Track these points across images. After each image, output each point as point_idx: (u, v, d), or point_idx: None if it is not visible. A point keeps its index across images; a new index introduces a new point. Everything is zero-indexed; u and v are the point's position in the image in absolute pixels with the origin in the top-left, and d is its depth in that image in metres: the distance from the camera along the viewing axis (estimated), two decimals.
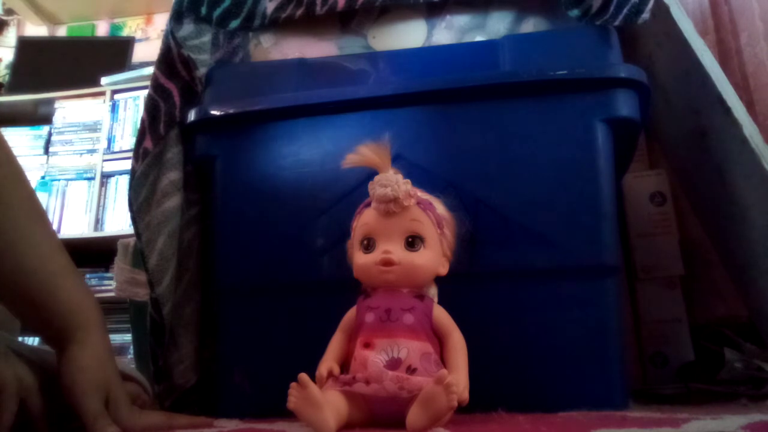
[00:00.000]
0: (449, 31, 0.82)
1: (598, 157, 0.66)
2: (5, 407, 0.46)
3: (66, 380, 0.49)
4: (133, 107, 2.07)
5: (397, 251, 0.53)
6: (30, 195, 0.55)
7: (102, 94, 2.11)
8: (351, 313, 0.56)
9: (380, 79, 0.76)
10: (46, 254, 0.53)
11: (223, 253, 0.73)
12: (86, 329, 0.52)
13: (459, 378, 0.50)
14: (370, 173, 0.56)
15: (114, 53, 2.31)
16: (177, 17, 0.82)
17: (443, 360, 0.53)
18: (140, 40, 2.47)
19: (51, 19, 2.61)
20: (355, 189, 0.66)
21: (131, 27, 2.58)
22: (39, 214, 0.55)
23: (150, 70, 0.93)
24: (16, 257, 0.51)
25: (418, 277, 0.55)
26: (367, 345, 0.52)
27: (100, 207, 2.01)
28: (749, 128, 0.69)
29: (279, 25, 0.83)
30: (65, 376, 0.50)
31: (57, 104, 2.14)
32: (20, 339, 0.74)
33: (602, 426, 0.46)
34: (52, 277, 0.53)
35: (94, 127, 2.10)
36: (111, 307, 1.93)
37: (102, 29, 2.62)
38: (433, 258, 0.55)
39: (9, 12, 2.57)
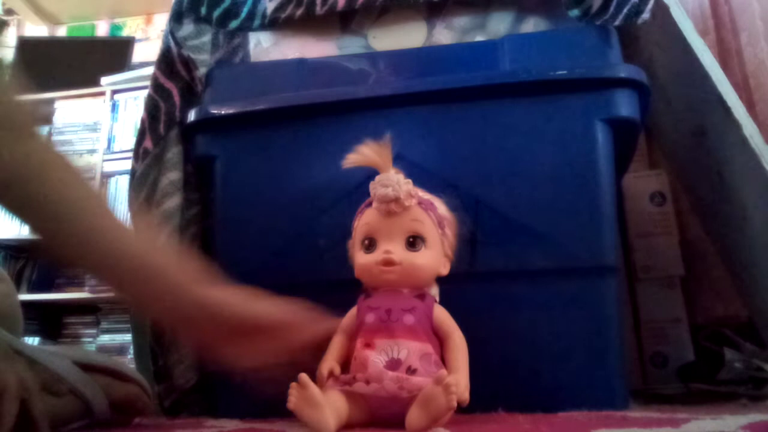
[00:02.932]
0: (449, 31, 0.82)
1: (598, 157, 0.66)
2: (6, 408, 0.46)
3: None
4: (133, 107, 2.07)
5: (398, 251, 0.53)
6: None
7: (102, 94, 2.10)
8: (351, 313, 0.56)
9: (380, 79, 0.76)
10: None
11: (223, 253, 0.73)
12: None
13: (459, 378, 0.50)
14: (371, 173, 0.56)
15: (114, 53, 2.30)
16: (177, 17, 0.82)
17: (444, 360, 0.53)
18: (140, 40, 2.47)
19: (51, 19, 2.60)
20: (355, 189, 0.66)
21: (131, 27, 2.58)
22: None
23: (150, 70, 0.93)
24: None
25: (419, 277, 0.55)
26: (368, 345, 0.52)
27: None
28: (749, 128, 0.69)
29: (279, 25, 0.83)
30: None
31: (57, 104, 2.14)
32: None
33: (602, 426, 0.46)
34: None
35: (94, 127, 2.10)
36: (111, 307, 1.93)
37: (102, 29, 2.62)
38: (434, 258, 0.55)
39: (9, 12, 2.57)
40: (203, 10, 0.82)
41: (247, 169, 0.73)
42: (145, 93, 0.79)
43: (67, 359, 0.53)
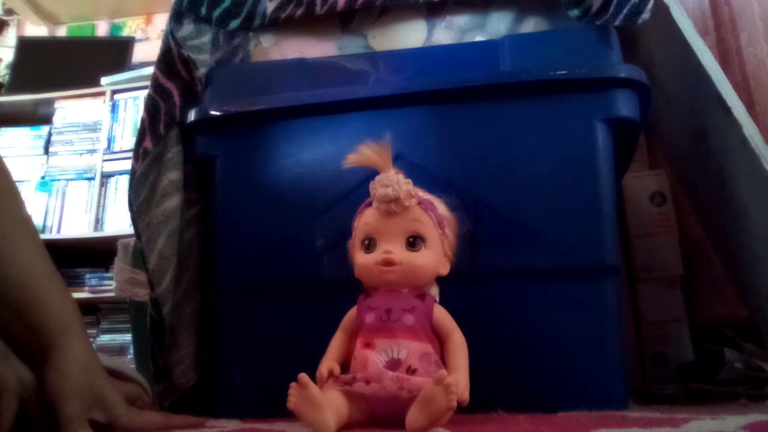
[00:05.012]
0: (449, 31, 0.82)
1: (598, 157, 0.67)
2: (6, 407, 0.46)
3: (49, 388, 0.48)
4: (133, 107, 2.07)
5: (398, 251, 0.53)
6: (17, 201, 0.55)
7: (102, 94, 2.11)
8: (352, 313, 0.56)
9: (380, 79, 0.76)
10: (31, 262, 0.53)
11: (223, 253, 0.73)
12: (68, 333, 0.52)
13: (459, 378, 0.50)
14: (371, 173, 0.56)
15: (114, 53, 2.30)
16: (177, 17, 0.82)
17: (444, 360, 0.53)
18: (140, 40, 2.47)
19: (51, 19, 2.61)
20: (355, 189, 0.66)
21: (131, 27, 2.58)
22: (25, 221, 0.55)
23: (150, 70, 0.93)
24: (3, 266, 0.51)
25: (419, 277, 0.55)
26: (368, 345, 0.52)
27: (100, 207, 2.01)
28: (749, 128, 0.69)
29: (279, 25, 0.83)
30: (49, 384, 0.49)
31: (57, 104, 2.14)
32: None
33: (602, 426, 0.46)
34: (38, 282, 0.52)
35: (94, 127, 2.10)
36: (111, 307, 1.93)
37: (102, 29, 2.62)
38: (434, 258, 0.55)
39: (9, 12, 2.57)
40: (203, 10, 0.82)
41: (247, 169, 0.73)
42: (145, 93, 0.80)
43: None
